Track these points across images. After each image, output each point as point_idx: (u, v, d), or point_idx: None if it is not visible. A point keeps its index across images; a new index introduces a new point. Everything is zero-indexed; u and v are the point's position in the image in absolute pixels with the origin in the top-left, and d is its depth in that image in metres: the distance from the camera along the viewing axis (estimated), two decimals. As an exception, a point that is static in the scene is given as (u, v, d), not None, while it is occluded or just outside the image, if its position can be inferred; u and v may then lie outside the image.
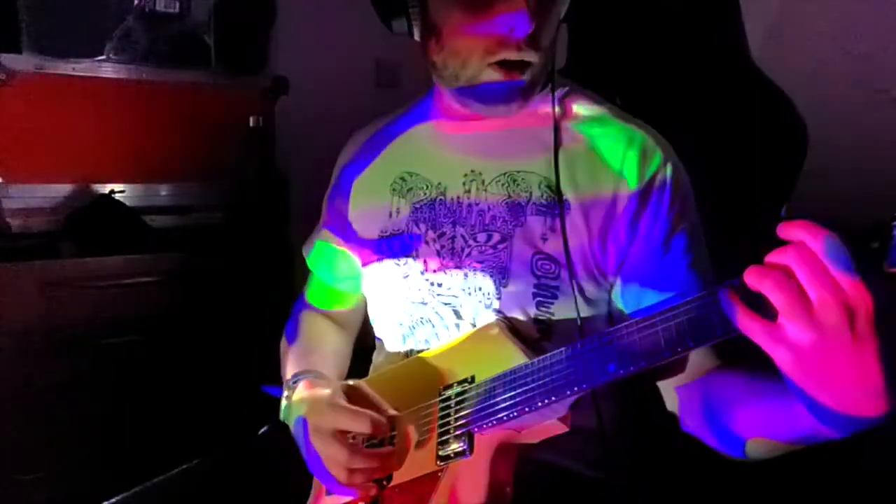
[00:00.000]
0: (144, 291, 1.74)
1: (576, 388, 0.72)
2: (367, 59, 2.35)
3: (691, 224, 0.87)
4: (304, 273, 1.19)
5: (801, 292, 0.54)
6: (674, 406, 0.86)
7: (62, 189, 1.91)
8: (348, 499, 0.87)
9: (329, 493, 0.89)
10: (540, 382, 0.75)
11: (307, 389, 0.90)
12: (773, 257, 0.56)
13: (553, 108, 0.90)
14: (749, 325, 0.57)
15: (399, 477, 0.84)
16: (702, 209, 0.90)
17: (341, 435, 0.83)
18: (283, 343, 1.10)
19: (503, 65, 0.83)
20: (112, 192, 1.92)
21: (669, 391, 0.86)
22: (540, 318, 0.86)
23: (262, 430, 1.13)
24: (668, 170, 0.87)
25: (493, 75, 0.84)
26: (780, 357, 0.57)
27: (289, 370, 1.01)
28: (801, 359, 0.56)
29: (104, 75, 1.94)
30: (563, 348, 0.76)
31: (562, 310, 0.86)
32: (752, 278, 0.57)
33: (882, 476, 1.09)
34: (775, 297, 0.55)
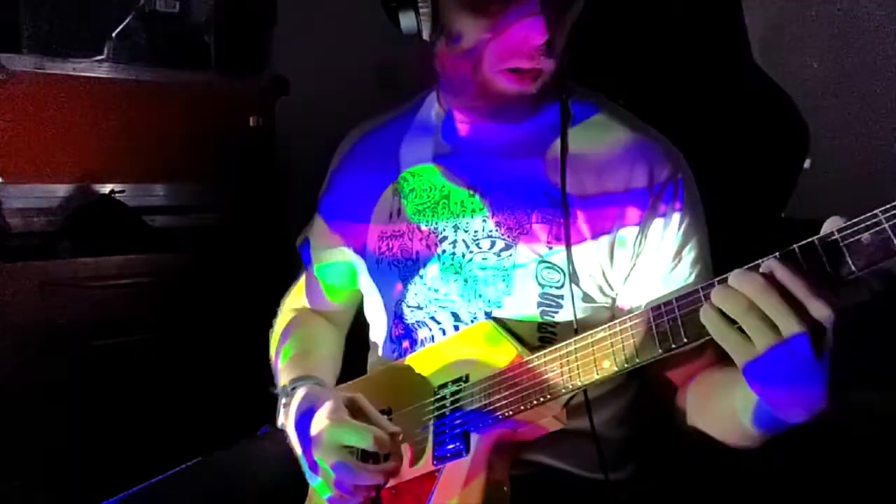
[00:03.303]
0: (144, 291, 1.74)
1: (570, 386, 0.72)
2: (367, 59, 2.34)
3: (702, 236, 0.86)
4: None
5: (764, 316, 0.58)
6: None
7: (62, 189, 1.90)
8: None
9: None
10: (535, 381, 0.75)
11: (308, 399, 0.89)
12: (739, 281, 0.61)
13: (563, 115, 0.88)
14: (720, 330, 0.62)
15: (396, 478, 0.84)
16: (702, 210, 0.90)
17: (345, 450, 0.81)
18: (274, 340, 1.09)
19: (515, 72, 0.81)
20: (112, 192, 1.92)
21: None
22: (543, 326, 0.86)
23: (262, 430, 1.13)
24: (679, 181, 0.85)
25: (504, 82, 0.82)
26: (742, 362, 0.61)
27: (284, 373, 0.99)
28: (756, 366, 0.60)
29: (104, 75, 1.93)
30: (557, 345, 0.75)
31: (566, 318, 0.85)
32: (717, 297, 0.61)
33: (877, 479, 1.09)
34: (738, 316, 0.60)
